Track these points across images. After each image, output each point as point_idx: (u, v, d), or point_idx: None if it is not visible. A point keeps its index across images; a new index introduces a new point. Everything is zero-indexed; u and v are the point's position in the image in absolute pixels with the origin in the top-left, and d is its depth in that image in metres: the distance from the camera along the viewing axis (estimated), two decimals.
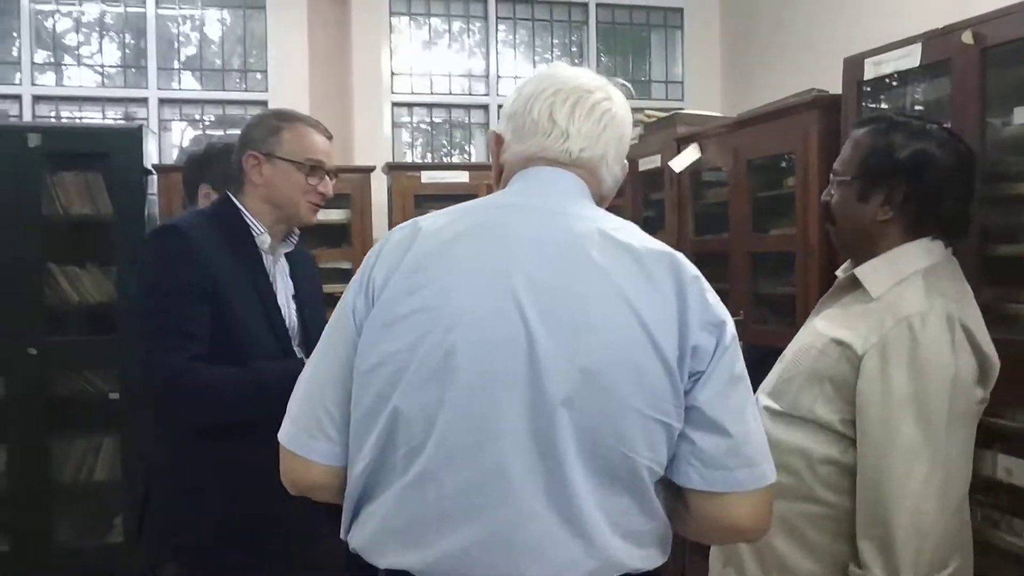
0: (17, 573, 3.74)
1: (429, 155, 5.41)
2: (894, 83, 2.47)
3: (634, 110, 4.35)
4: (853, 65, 2.52)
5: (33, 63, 4.73)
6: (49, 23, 4.85)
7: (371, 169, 4.33)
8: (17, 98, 4.69)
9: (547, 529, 1.13)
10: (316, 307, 2.19)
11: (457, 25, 5.36)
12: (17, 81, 4.69)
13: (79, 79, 4.89)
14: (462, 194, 4.34)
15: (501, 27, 5.38)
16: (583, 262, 1.18)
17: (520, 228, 1.23)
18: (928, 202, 1.68)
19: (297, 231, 2.15)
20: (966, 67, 2.13)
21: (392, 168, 4.28)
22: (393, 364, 1.18)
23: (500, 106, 5.34)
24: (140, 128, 3.88)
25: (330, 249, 4.31)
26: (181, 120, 5.01)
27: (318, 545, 1.98)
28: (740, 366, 1.21)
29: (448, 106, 5.34)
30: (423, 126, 5.37)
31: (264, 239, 2.04)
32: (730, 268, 3.14)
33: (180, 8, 4.98)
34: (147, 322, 1.92)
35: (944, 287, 1.64)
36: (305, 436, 1.27)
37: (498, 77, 5.34)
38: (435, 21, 5.34)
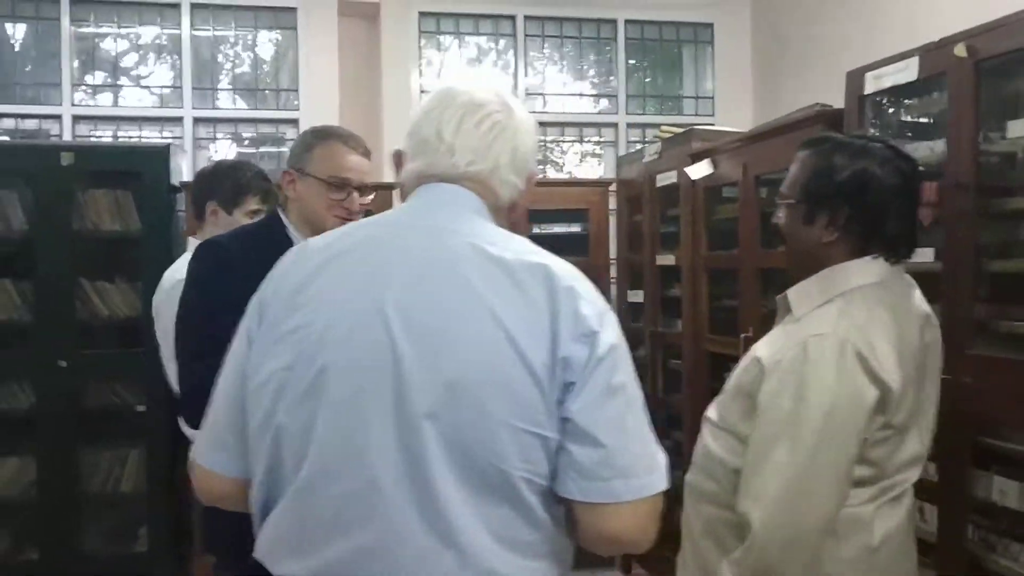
0: None
1: None
2: (894, 97, 2.44)
3: (650, 126, 4.36)
4: (854, 79, 2.49)
5: (73, 83, 4.88)
6: (105, 45, 5.01)
7: (394, 186, 4.36)
8: (58, 118, 4.85)
9: (419, 541, 1.15)
10: None
11: (486, 44, 5.40)
12: (71, 101, 4.84)
13: (136, 99, 5.04)
14: None
15: (530, 46, 5.39)
16: (451, 278, 1.20)
17: (395, 245, 1.25)
18: (871, 222, 1.67)
19: None
20: (960, 80, 2.10)
21: None
22: (276, 382, 1.22)
23: None
24: (167, 147, 3.98)
25: None
26: (224, 138, 5.12)
27: None
28: (620, 377, 1.19)
29: None
30: None
31: None
32: (739, 284, 3.11)
33: (215, 31, 5.09)
34: (181, 335, 2.02)
35: (855, 311, 1.60)
36: (209, 450, 1.33)
37: (526, 94, 5.36)
38: (464, 40, 5.38)
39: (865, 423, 1.53)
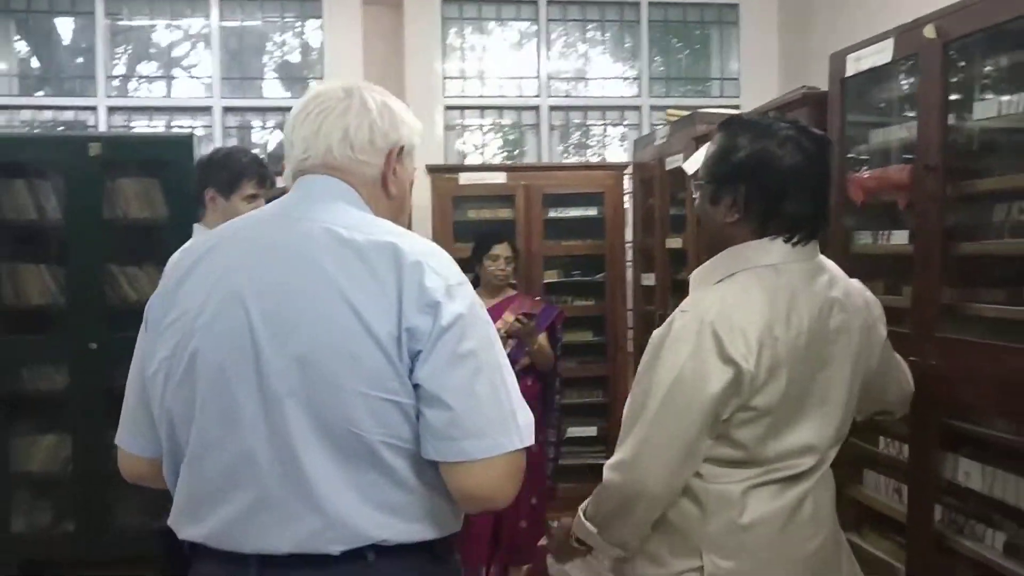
0: (82, 551, 4.03)
1: (498, 158, 5.53)
2: (876, 78, 2.43)
3: (657, 108, 4.36)
4: (837, 61, 2.49)
5: (108, 75, 5.05)
6: (156, 37, 5.18)
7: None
8: (93, 109, 5.03)
9: (287, 506, 1.27)
10: None
11: (509, 28, 5.44)
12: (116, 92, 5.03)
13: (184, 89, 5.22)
14: (500, 195, 4.45)
15: (552, 29, 5.42)
16: (303, 261, 1.30)
17: (255, 237, 1.37)
18: (769, 202, 1.64)
19: None
20: (930, 62, 2.09)
21: (431, 170, 4.40)
22: (164, 369, 1.35)
23: (551, 107, 5.41)
24: (191, 136, 4.12)
25: None
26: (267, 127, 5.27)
27: None
28: (469, 345, 1.27)
29: (500, 108, 5.43)
30: (486, 129, 5.49)
31: None
32: (663, 268, 3.13)
33: (243, 22, 5.22)
34: None
35: (731, 291, 1.61)
36: (126, 433, 1.47)
37: (548, 79, 5.39)
38: (487, 26, 5.44)
39: (712, 402, 1.54)
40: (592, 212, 4.49)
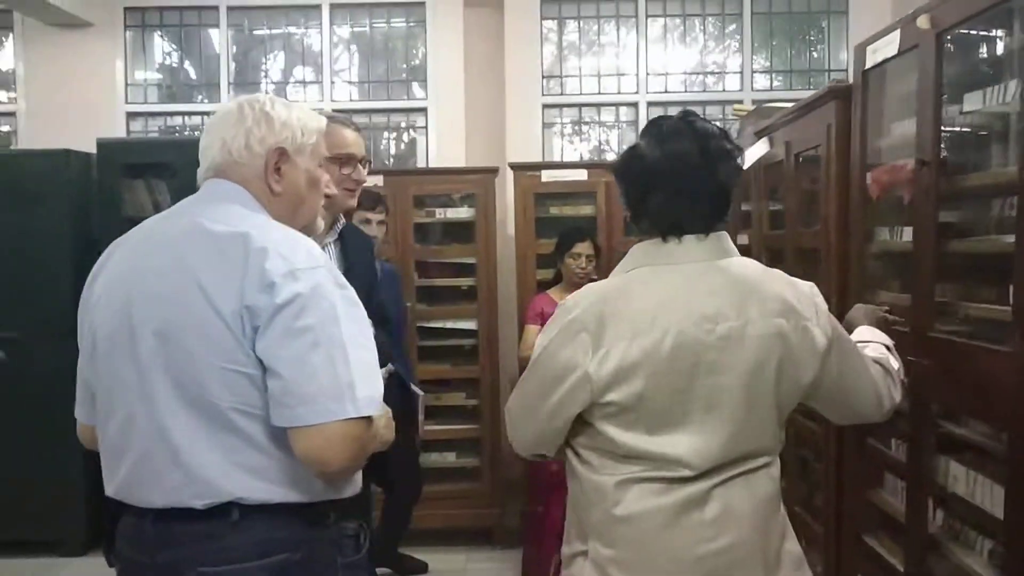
0: None
1: (589, 154, 5.57)
2: (894, 70, 2.36)
3: (724, 103, 4.29)
4: (859, 53, 2.43)
5: (230, 82, 5.46)
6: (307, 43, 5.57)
7: (495, 170, 4.59)
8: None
9: (159, 463, 1.47)
10: (357, 283, 2.51)
11: (608, 25, 5.48)
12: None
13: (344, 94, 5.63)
14: (581, 192, 4.51)
15: (652, 24, 5.41)
16: (169, 250, 1.51)
17: (148, 230, 1.61)
18: (638, 199, 1.66)
19: (342, 219, 2.46)
20: (926, 53, 2.03)
21: (514, 168, 4.51)
22: (83, 349, 1.62)
23: (649, 103, 5.40)
24: None
25: (456, 245, 4.63)
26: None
27: None
28: (306, 321, 1.42)
29: (597, 105, 5.47)
30: (582, 126, 5.56)
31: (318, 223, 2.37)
32: (784, 265, 3.07)
33: (352, 27, 5.51)
34: None
35: (611, 286, 1.68)
36: (78, 405, 1.70)
37: (647, 75, 5.39)
38: (586, 24, 5.49)
39: (568, 387, 1.61)
40: None
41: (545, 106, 5.39)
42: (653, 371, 1.59)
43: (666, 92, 5.41)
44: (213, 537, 1.46)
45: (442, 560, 4.38)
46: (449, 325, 4.62)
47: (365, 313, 1.57)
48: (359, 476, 1.65)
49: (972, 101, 1.91)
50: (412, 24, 5.51)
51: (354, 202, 2.42)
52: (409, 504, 4.11)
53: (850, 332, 1.97)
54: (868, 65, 2.36)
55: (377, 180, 4.44)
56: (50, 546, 4.48)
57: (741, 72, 5.39)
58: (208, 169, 1.62)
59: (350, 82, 5.60)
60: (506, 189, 4.73)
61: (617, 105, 5.48)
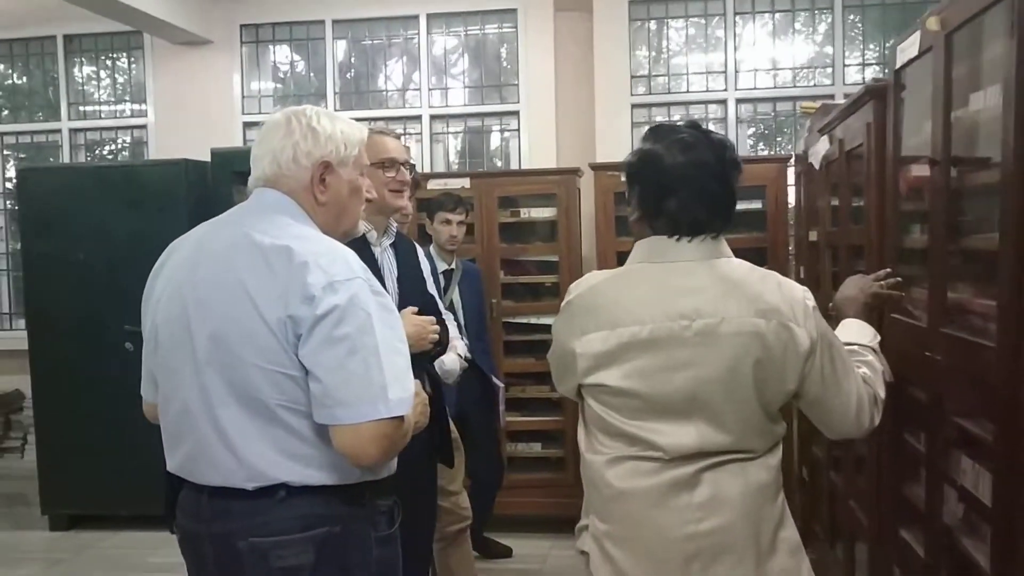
0: None
1: None
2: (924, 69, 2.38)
3: (814, 98, 4.27)
4: (893, 53, 2.46)
5: (335, 91, 5.80)
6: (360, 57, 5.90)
7: (576, 171, 4.73)
8: None
9: (214, 450, 1.65)
10: (414, 282, 2.72)
11: (694, 24, 5.52)
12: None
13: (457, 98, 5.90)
14: None
15: (740, 21, 5.42)
16: (222, 260, 1.67)
17: (202, 238, 1.76)
18: (654, 201, 1.75)
19: (394, 224, 2.68)
20: (937, 54, 2.06)
21: (594, 168, 4.63)
22: (147, 339, 1.80)
23: (738, 100, 5.41)
24: None
25: (540, 243, 4.79)
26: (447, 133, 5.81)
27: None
28: (344, 330, 1.57)
29: (686, 103, 5.52)
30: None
31: (372, 234, 2.59)
32: (839, 261, 3.10)
33: (447, 34, 5.75)
34: None
35: (610, 277, 1.82)
36: (144, 385, 1.89)
37: (736, 72, 5.40)
38: (675, 23, 5.55)
39: (564, 361, 1.82)
40: (757, 205, 4.49)
41: (634, 106, 5.48)
42: (632, 361, 1.72)
43: (755, 88, 5.40)
44: (261, 512, 1.64)
45: (526, 546, 4.55)
46: (533, 321, 4.77)
47: (399, 318, 1.75)
48: (395, 459, 1.82)
49: (976, 101, 1.94)
50: (505, 30, 5.70)
51: (403, 202, 2.61)
52: (493, 491, 4.31)
53: (839, 317, 2.04)
54: (898, 65, 2.39)
55: (464, 182, 4.66)
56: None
57: (832, 66, 5.33)
58: (258, 179, 1.78)
59: (445, 88, 5.83)
60: (590, 189, 4.85)
61: (706, 103, 5.51)
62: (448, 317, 2.91)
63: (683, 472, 1.72)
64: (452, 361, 2.98)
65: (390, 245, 2.64)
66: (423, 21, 5.68)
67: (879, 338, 2.00)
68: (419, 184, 3.97)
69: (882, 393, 1.85)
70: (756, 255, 4.50)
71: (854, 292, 2.15)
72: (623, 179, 1.90)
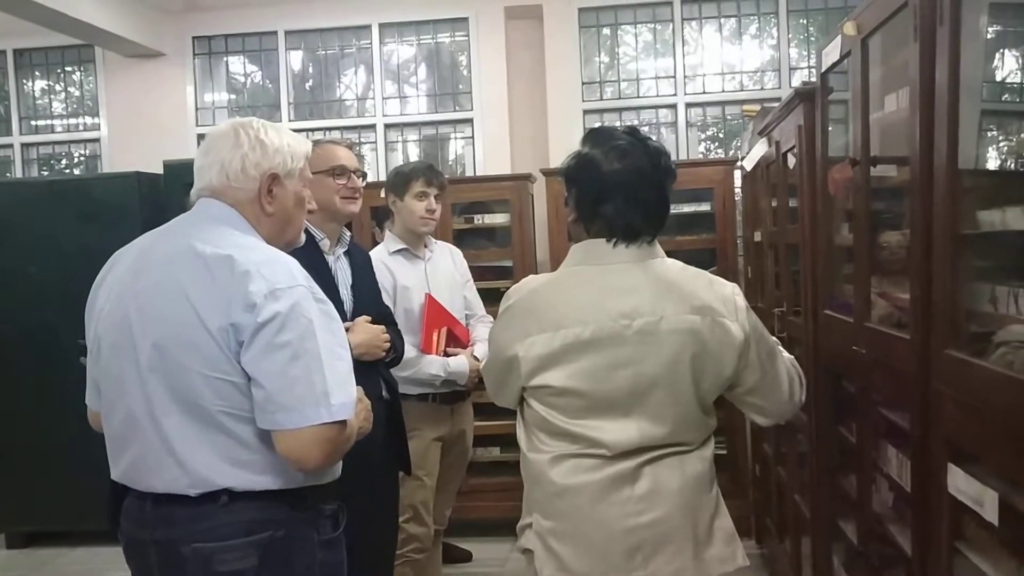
0: None
1: None
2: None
3: (762, 101, 4.34)
4: (819, 56, 2.53)
5: (289, 102, 5.82)
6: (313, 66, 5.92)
7: (528, 176, 4.78)
8: None
9: (157, 457, 1.67)
10: (368, 291, 2.74)
11: (645, 30, 5.60)
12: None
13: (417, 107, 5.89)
14: None
15: (688, 27, 5.51)
16: (164, 270, 1.69)
17: (145, 248, 1.77)
18: (590, 205, 1.79)
19: (348, 232, 2.70)
20: (855, 57, 2.14)
21: (547, 174, 4.68)
22: (90, 348, 1.81)
23: (688, 104, 5.50)
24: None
25: (493, 249, 4.84)
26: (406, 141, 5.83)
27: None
28: (286, 337, 1.60)
29: (637, 108, 5.59)
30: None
31: (324, 243, 2.62)
32: (779, 261, 3.18)
33: (400, 43, 5.79)
34: None
35: (549, 280, 1.87)
36: (88, 392, 1.91)
37: (685, 77, 5.48)
38: (625, 30, 5.62)
39: (505, 366, 1.85)
40: (705, 207, 4.57)
41: (586, 112, 5.55)
42: (575, 361, 1.77)
43: (704, 92, 5.49)
44: (205, 518, 1.66)
45: (486, 550, 4.57)
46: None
47: (342, 325, 1.78)
48: (339, 464, 1.85)
49: (890, 103, 2.01)
50: (458, 38, 5.74)
51: (355, 208, 2.64)
52: None
53: None
54: (823, 68, 2.47)
55: None
56: None
57: (779, 70, 5.43)
58: (203, 189, 1.79)
59: (400, 97, 5.86)
60: (543, 194, 4.91)
61: (657, 107, 5.59)
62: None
63: (624, 467, 1.77)
64: (459, 363, 3.07)
65: (344, 254, 2.67)
66: (375, 30, 5.72)
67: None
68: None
69: (803, 375, 1.94)
70: (706, 256, 4.59)
71: None
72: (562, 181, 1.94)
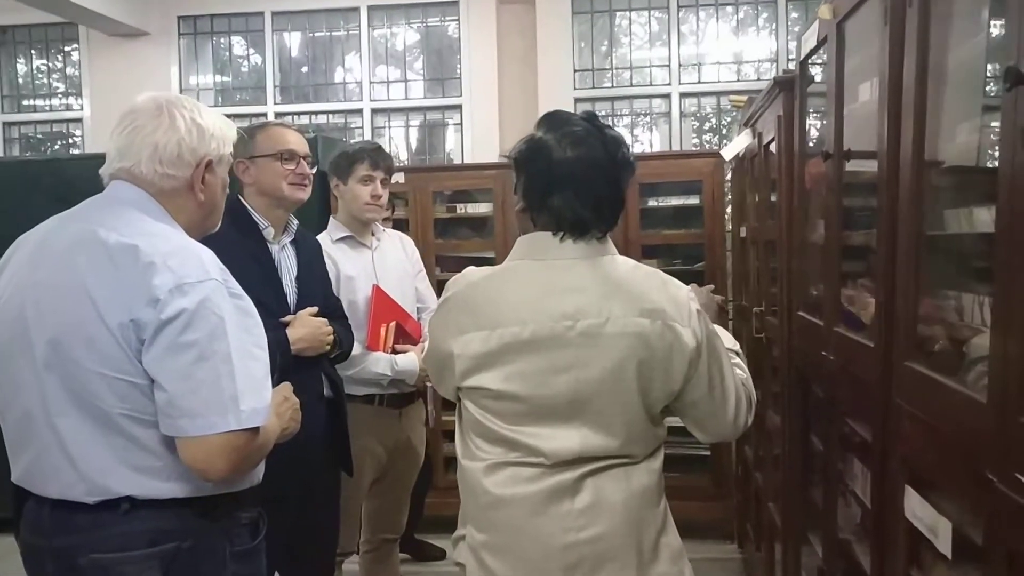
0: None
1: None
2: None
3: (719, 93, 4.22)
4: (798, 43, 2.40)
5: (275, 85, 5.70)
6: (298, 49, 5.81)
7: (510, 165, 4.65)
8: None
9: (54, 461, 1.53)
10: (315, 282, 2.60)
11: (639, 18, 5.46)
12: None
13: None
14: None
15: (683, 15, 5.37)
16: (61, 259, 1.53)
17: (44, 235, 1.61)
18: (539, 194, 1.64)
19: (295, 221, 2.56)
20: (831, 44, 2.00)
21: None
22: None
23: (682, 94, 5.36)
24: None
25: (476, 239, 4.71)
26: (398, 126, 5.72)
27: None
28: (192, 336, 1.45)
29: (630, 98, 5.46)
30: (614, 119, 5.55)
31: (269, 231, 2.48)
32: (760, 257, 3.05)
33: (390, 27, 5.66)
34: None
35: (489, 275, 1.72)
36: None
37: (679, 65, 5.34)
38: (619, 17, 5.49)
39: (441, 362, 1.72)
40: (693, 200, 4.43)
41: (577, 100, 5.42)
42: (513, 363, 1.63)
43: (700, 83, 5.35)
44: (104, 526, 1.54)
45: None
46: None
47: (259, 322, 1.63)
48: (259, 469, 1.72)
49: (864, 92, 1.88)
50: (448, 21, 5.61)
51: (303, 195, 2.47)
52: (422, 492, 4.22)
53: None
54: (802, 56, 2.33)
55: (398, 177, 4.55)
56: None
57: (776, 60, 5.28)
58: (121, 170, 1.61)
59: (387, 82, 5.74)
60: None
61: (650, 97, 5.45)
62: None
63: (565, 478, 1.64)
64: (408, 361, 2.87)
65: (290, 243, 2.53)
66: (364, 13, 5.59)
67: (738, 344, 1.93)
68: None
69: (755, 396, 1.79)
70: (693, 251, 4.46)
71: (706, 300, 2.06)
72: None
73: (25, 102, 6.18)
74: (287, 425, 1.72)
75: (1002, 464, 1.09)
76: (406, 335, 2.93)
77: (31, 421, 1.56)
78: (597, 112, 5.40)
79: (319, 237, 2.90)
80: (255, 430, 1.53)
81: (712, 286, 2.20)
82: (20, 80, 6.16)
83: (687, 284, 1.73)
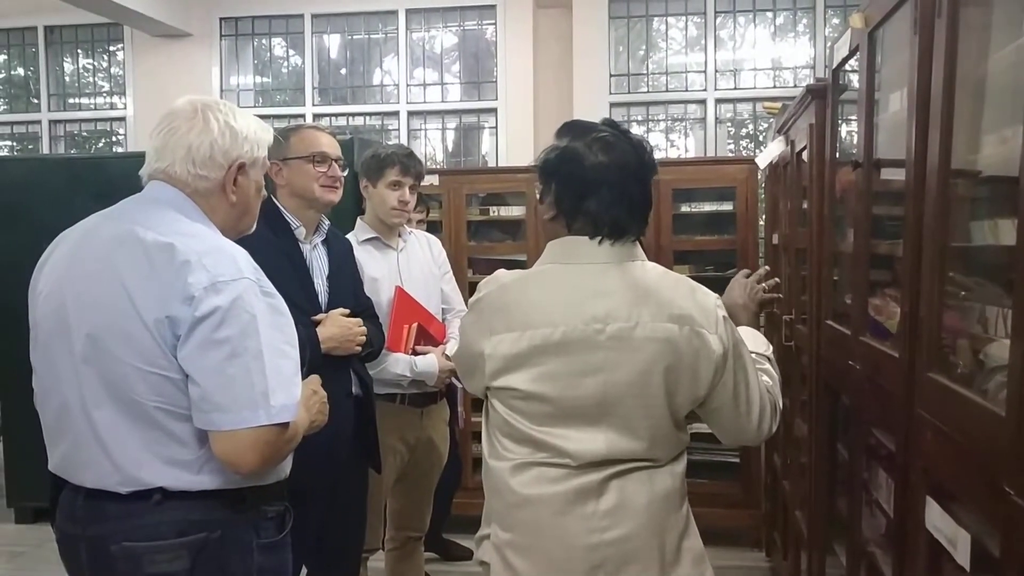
0: None
1: (661, 152, 5.55)
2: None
3: (756, 99, 4.20)
4: (830, 51, 2.39)
5: (314, 87, 5.76)
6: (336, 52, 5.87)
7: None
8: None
9: (90, 451, 1.58)
10: (346, 282, 2.64)
11: (676, 23, 5.45)
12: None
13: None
14: None
15: (721, 20, 5.35)
16: (102, 257, 1.58)
17: (85, 232, 1.66)
18: (573, 200, 1.65)
19: (326, 221, 2.61)
20: (862, 53, 2.00)
21: None
22: (32, 334, 1.70)
23: (718, 100, 5.34)
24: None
25: (508, 242, 4.73)
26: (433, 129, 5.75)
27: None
28: (225, 333, 1.49)
29: (665, 103, 5.45)
30: (649, 123, 5.54)
31: (300, 231, 2.53)
32: (781, 266, 3.04)
33: (427, 31, 5.71)
34: None
35: (522, 278, 1.73)
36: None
37: (716, 71, 5.32)
38: (656, 23, 5.48)
39: (472, 361, 1.73)
40: (727, 207, 4.41)
41: (612, 104, 5.42)
42: (543, 365, 1.65)
43: (736, 88, 5.32)
44: (135, 516, 1.59)
45: None
46: None
47: (291, 320, 1.66)
48: (286, 463, 1.75)
49: (895, 102, 1.87)
50: (485, 25, 5.64)
51: (335, 197, 2.50)
52: (450, 492, 4.24)
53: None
54: (835, 64, 2.32)
55: (433, 179, 4.59)
56: None
57: (813, 66, 5.24)
58: (159, 171, 1.66)
59: (424, 84, 5.78)
60: None
61: (686, 102, 5.44)
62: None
63: (590, 480, 1.66)
64: (427, 363, 2.88)
65: (322, 243, 2.57)
66: (402, 16, 5.64)
67: (771, 347, 1.93)
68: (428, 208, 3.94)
69: (780, 403, 1.79)
70: (725, 257, 4.44)
71: (742, 299, 2.07)
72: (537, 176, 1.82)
73: (71, 100, 6.31)
74: (315, 418, 1.76)
75: (1019, 477, 1.09)
76: (429, 337, 2.95)
77: (68, 412, 1.61)
78: (632, 117, 5.42)
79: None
80: (285, 425, 1.57)
81: (766, 269, 2.20)
82: (66, 79, 6.29)
83: (715, 292, 1.74)
